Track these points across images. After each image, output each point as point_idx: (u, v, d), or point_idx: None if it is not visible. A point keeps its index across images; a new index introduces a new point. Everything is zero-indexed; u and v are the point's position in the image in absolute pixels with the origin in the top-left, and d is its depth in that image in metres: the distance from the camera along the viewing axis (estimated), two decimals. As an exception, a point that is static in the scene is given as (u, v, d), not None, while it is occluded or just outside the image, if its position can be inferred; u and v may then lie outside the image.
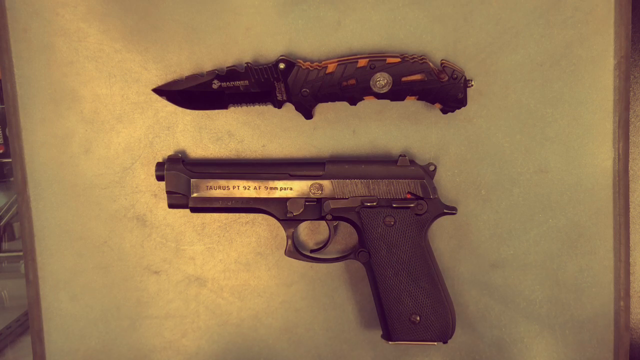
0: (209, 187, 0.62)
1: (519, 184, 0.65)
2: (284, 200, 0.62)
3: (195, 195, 0.62)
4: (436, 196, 0.61)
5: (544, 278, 0.66)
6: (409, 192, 0.61)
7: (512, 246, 0.66)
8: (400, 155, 0.62)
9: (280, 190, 0.62)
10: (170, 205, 0.62)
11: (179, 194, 0.62)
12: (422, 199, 0.61)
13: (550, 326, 0.66)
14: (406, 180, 0.61)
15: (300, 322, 0.68)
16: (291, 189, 0.62)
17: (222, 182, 0.62)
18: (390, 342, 0.62)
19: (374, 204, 0.61)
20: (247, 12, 0.63)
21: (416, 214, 0.61)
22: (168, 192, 0.62)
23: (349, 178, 0.61)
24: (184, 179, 0.62)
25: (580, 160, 0.64)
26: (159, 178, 0.62)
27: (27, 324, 0.83)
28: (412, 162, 0.62)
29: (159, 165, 0.63)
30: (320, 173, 0.62)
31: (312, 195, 0.62)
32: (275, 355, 0.68)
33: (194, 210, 0.62)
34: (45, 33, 0.64)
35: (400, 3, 0.63)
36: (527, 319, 0.66)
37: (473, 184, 0.65)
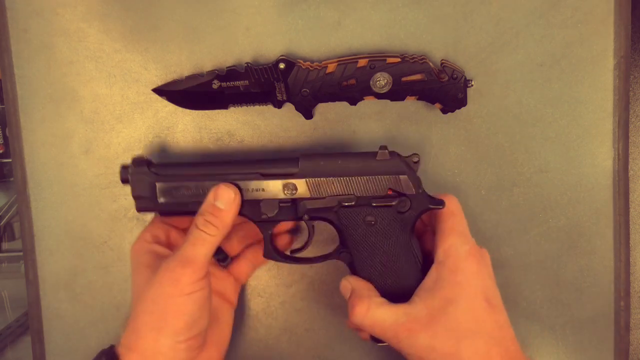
0: (176, 191, 0.57)
1: (519, 184, 0.65)
2: (257, 202, 0.57)
3: (162, 200, 0.57)
4: (421, 190, 0.56)
5: (544, 278, 0.66)
6: (390, 188, 0.56)
7: (512, 246, 0.66)
8: (379, 148, 0.57)
9: (252, 191, 0.57)
10: (139, 210, 0.58)
11: (146, 198, 0.57)
12: (404, 195, 0.56)
13: (550, 326, 0.66)
14: (386, 176, 0.56)
15: (300, 322, 0.68)
16: (263, 190, 0.57)
17: (191, 185, 0.57)
18: (378, 345, 0.58)
19: (352, 203, 0.56)
20: (247, 12, 0.63)
21: (398, 212, 0.56)
22: (134, 197, 0.58)
23: (325, 176, 0.56)
24: (150, 182, 0.57)
25: (580, 160, 0.64)
26: (124, 181, 0.58)
27: (27, 324, 0.83)
28: (392, 153, 0.57)
29: (124, 169, 0.58)
30: (294, 171, 0.57)
31: (286, 196, 0.57)
32: (275, 355, 0.68)
33: (164, 214, 0.58)
34: (45, 33, 0.64)
35: (400, 3, 0.63)
36: (527, 319, 0.66)
37: (473, 184, 0.65)
